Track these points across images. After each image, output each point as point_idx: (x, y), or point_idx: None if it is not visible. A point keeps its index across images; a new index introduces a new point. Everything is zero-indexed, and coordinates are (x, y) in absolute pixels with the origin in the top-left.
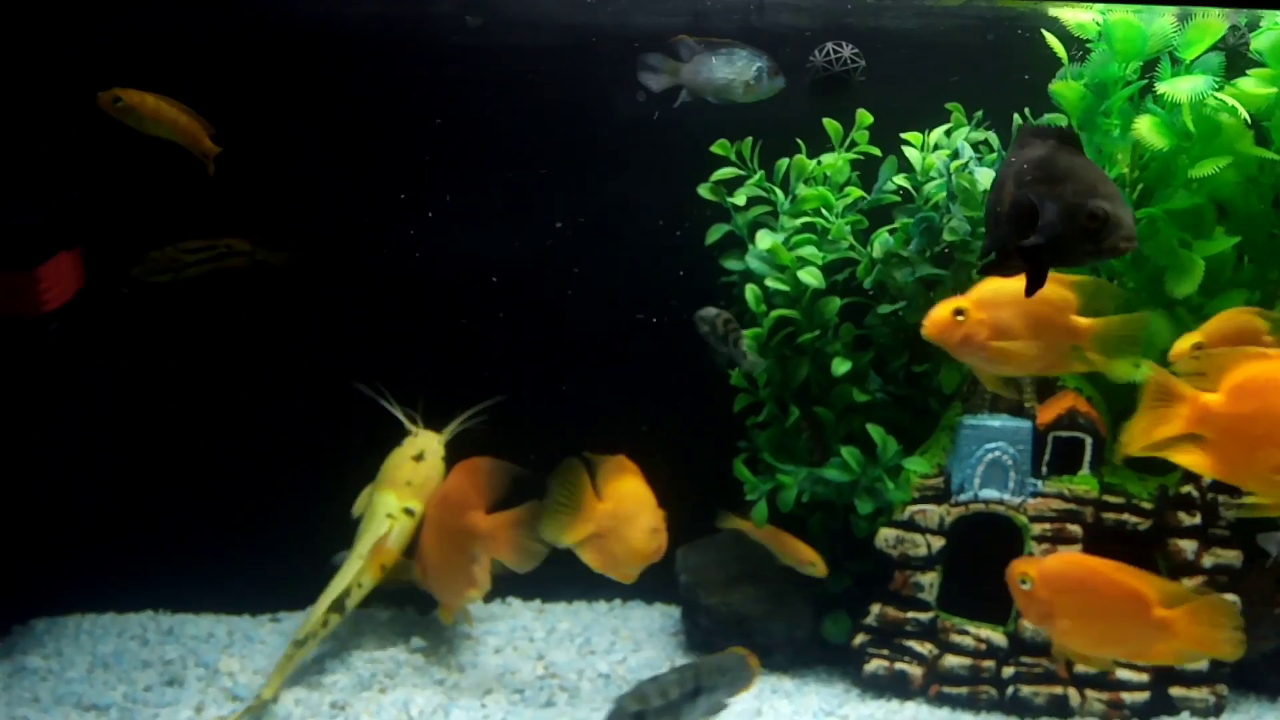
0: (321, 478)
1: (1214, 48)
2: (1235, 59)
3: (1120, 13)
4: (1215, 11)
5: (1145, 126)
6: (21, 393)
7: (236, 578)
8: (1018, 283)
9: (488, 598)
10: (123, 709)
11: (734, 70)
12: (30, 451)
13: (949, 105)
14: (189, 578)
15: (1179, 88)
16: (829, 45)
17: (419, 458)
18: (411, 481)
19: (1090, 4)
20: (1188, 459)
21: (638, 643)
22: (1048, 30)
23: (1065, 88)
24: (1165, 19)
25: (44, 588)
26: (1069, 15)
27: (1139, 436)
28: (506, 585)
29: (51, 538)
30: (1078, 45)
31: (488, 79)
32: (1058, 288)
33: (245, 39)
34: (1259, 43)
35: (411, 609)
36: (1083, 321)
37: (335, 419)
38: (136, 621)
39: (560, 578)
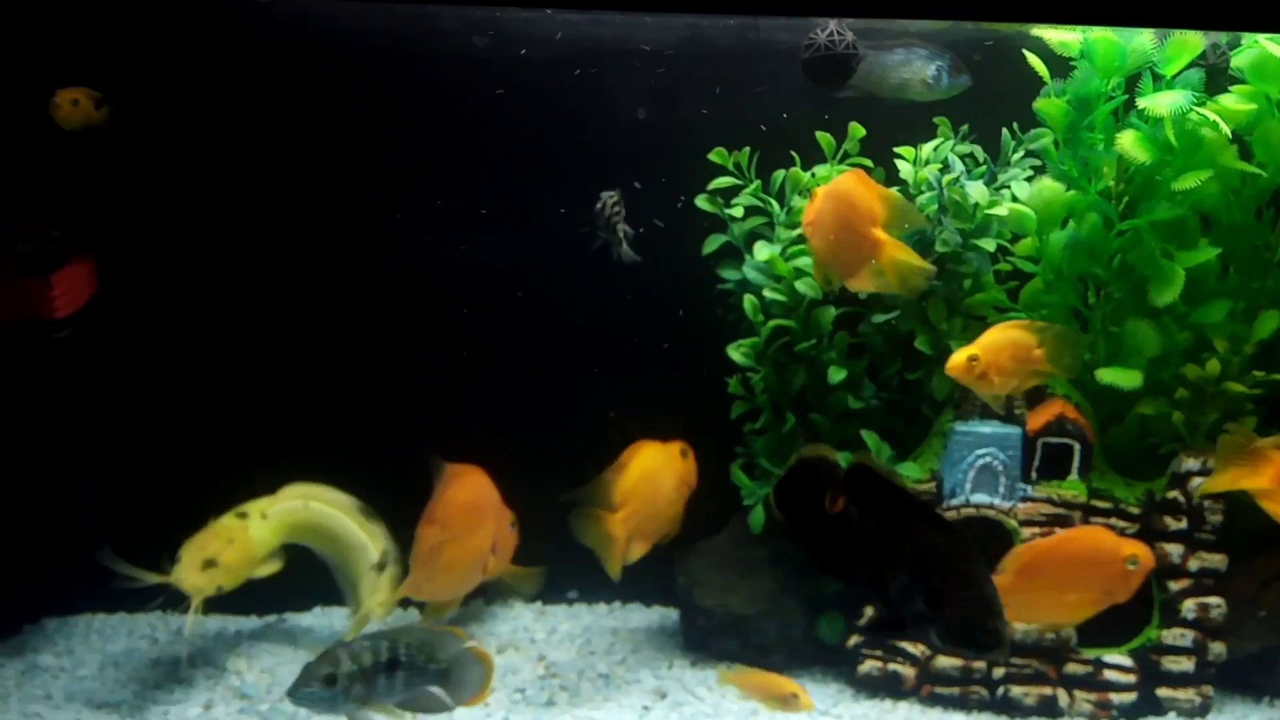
0: (330, 480)
1: (1196, 65)
2: (1217, 76)
3: (1100, 31)
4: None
5: (1128, 141)
6: (32, 395)
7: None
8: (851, 188)
9: (489, 599)
10: (133, 706)
11: (911, 69)
12: (41, 453)
13: (936, 119)
14: None
15: (1159, 103)
16: (833, 25)
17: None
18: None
19: (1071, 25)
20: (1271, 506)
21: (636, 643)
22: (1033, 51)
23: (1049, 104)
24: (1145, 36)
25: (54, 588)
26: (1052, 35)
27: (1224, 485)
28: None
29: (62, 538)
30: (1061, 64)
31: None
32: (872, 201)
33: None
34: (1239, 60)
35: (414, 609)
36: (880, 235)
37: (343, 421)
38: (146, 621)
39: (561, 581)
